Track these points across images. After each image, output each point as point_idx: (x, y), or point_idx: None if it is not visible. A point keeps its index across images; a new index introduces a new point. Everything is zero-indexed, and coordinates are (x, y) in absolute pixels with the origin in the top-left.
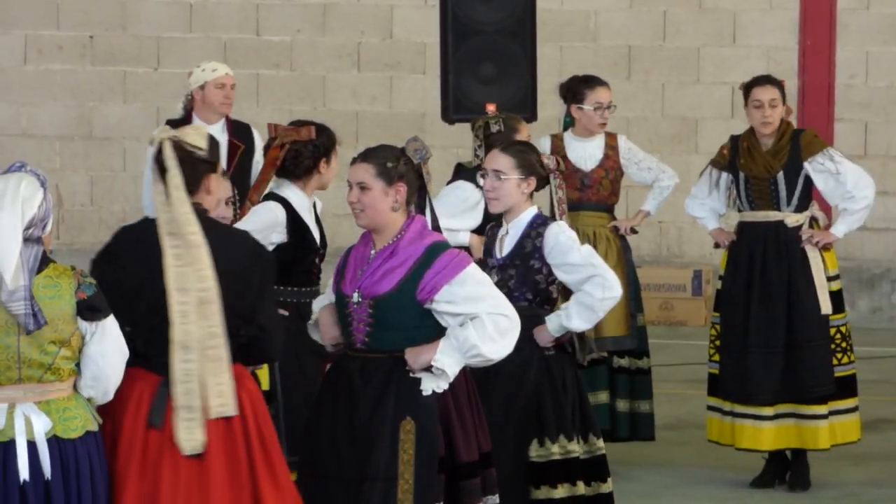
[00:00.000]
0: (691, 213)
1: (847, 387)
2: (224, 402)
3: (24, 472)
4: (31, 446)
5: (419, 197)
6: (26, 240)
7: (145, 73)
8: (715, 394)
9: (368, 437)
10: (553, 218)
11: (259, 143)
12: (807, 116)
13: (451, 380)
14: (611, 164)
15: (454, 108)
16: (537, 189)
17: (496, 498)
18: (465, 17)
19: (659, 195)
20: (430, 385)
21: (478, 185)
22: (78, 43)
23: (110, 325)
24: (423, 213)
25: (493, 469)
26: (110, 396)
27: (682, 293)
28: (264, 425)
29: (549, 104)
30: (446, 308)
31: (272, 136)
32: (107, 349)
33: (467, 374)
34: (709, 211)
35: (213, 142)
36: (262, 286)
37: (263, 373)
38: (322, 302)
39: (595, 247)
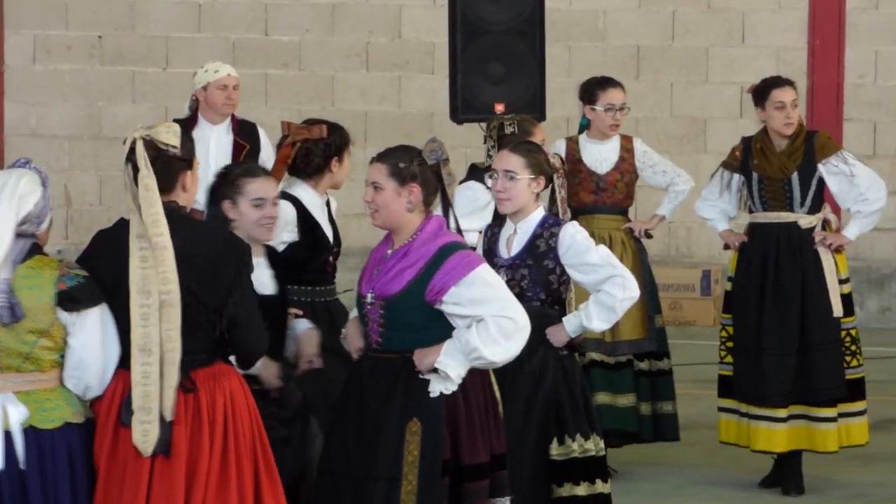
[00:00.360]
0: (701, 214)
1: (856, 389)
2: (169, 405)
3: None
4: (9, 436)
5: (443, 199)
6: (19, 235)
7: (154, 72)
8: (728, 395)
9: (374, 437)
10: (560, 217)
11: (265, 141)
12: (816, 116)
13: (458, 382)
14: (626, 166)
15: (463, 107)
16: (543, 189)
17: (506, 500)
18: (473, 16)
19: (674, 199)
20: (438, 387)
21: (488, 186)
22: (87, 43)
23: (95, 317)
24: (445, 213)
25: (506, 471)
26: (95, 391)
27: (690, 293)
28: (241, 425)
29: (558, 104)
30: (453, 309)
31: (285, 134)
32: (89, 341)
33: (486, 375)
34: (719, 213)
35: (186, 139)
36: (234, 280)
37: None
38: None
39: (611, 250)
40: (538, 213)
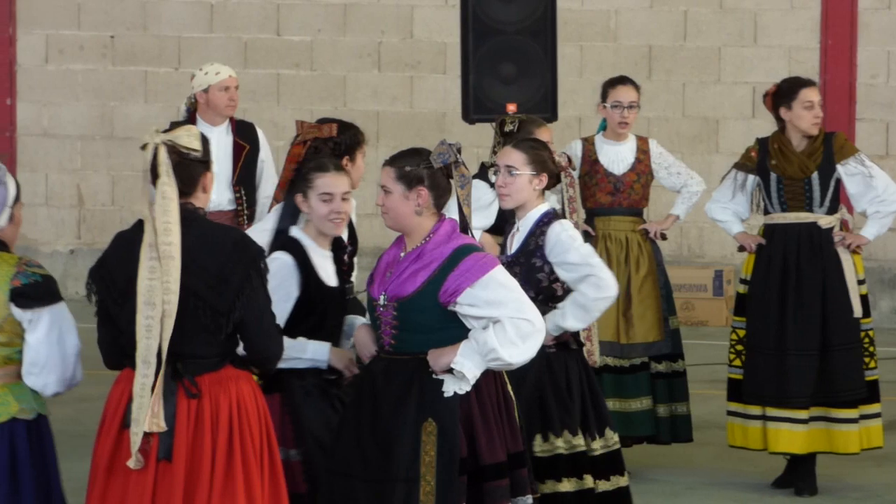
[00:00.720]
0: (713, 216)
1: (872, 391)
2: (157, 415)
3: None
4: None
5: (458, 200)
6: None
7: (166, 72)
8: (737, 399)
9: (390, 438)
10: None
11: (264, 141)
12: (828, 116)
13: (472, 382)
14: (642, 168)
15: (475, 107)
16: (549, 187)
17: (528, 498)
18: (485, 16)
19: (687, 200)
20: (453, 387)
21: (491, 184)
22: (99, 43)
23: (51, 316)
24: (460, 216)
25: (526, 469)
26: (54, 387)
27: (703, 293)
28: (249, 431)
29: (570, 104)
30: (468, 311)
31: (298, 133)
32: (45, 339)
33: (500, 375)
34: (732, 215)
35: (204, 140)
36: (242, 283)
37: None
38: (360, 319)
39: (628, 252)
40: (538, 211)
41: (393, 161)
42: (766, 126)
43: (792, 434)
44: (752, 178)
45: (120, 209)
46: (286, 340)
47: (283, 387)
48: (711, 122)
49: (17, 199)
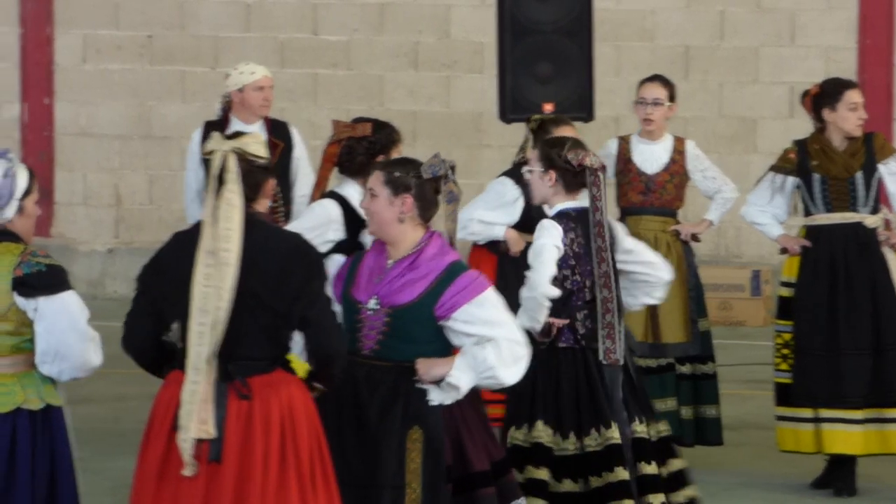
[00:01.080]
0: (751, 220)
1: None
2: (206, 420)
3: None
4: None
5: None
6: None
7: (203, 72)
8: (786, 403)
9: (376, 445)
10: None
11: (297, 140)
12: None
13: (461, 397)
14: (676, 168)
15: (511, 107)
16: (574, 187)
17: (521, 501)
18: (522, 16)
19: (721, 206)
20: (438, 398)
21: (517, 182)
22: (136, 42)
23: (56, 304)
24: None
25: (512, 475)
26: (70, 374)
27: (740, 293)
28: (299, 434)
29: (607, 104)
30: (462, 327)
31: (333, 133)
32: (53, 328)
33: (476, 388)
34: (770, 217)
35: (269, 148)
36: (303, 284)
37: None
38: None
39: (656, 250)
40: (553, 210)
41: (384, 166)
42: (803, 126)
43: (848, 435)
44: (791, 180)
45: (158, 208)
46: None
47: None
48: (749, 122)
49: (29, 191)
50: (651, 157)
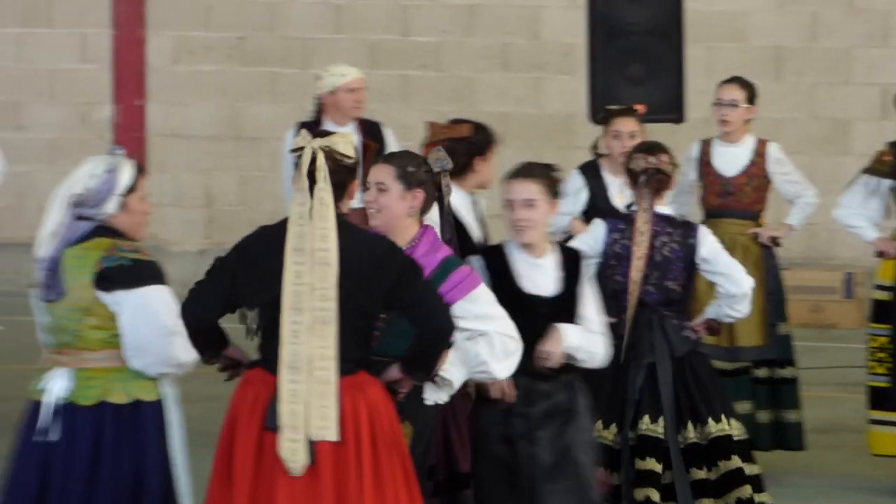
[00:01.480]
0: (845, 223)
1: None
2: (326, 425)
3: (41, 431)
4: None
5: (440, 209)
6: (78, 217)
7: (293, 73)
8: (881, 407)
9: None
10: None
11: (390, 140)
12: None
13: (454, 392)
14: (756, 171)
15: (602, 109)
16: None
17: None
18: (612, 17)
19: (802, 211)
20: (433, 395)
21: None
22: (227, 44)
23: (136, 298)
24: (442, 223)
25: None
26: (156, 369)
27: (832, 295)
28: (384, 435)
29: (698, 105)
30: (462, 320)
31: (429, 134)
32: (134, 321)
33: (461, 393)
34: (865, 220)
35: (355, 147)
36: (396, 282)
37: None
38: None
39: (731, 253)
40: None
41: (391, 159)
42: None
43: None
44: (886, 183)
45: (248, 209)
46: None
47: None
48: (841, 124)
49: (133, 188)
50: (730, 159)
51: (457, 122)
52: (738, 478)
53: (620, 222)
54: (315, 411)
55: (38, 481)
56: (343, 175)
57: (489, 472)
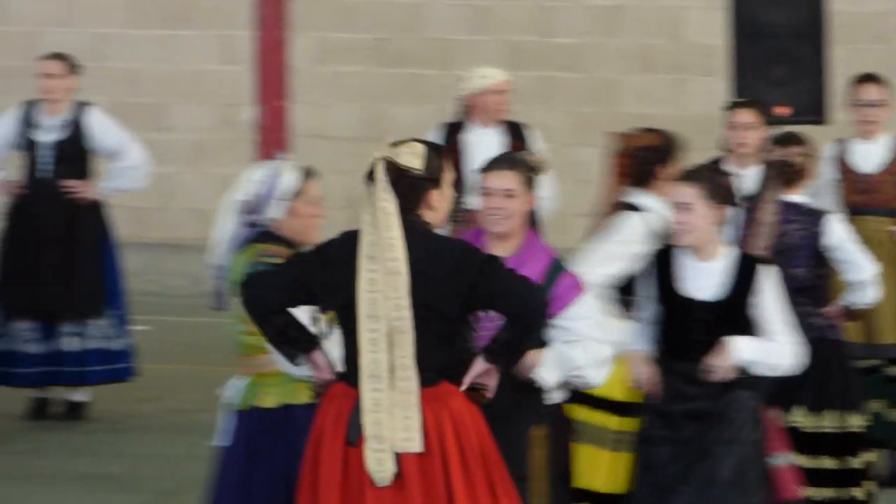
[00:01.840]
0: None
1: None
2: (410, 436)
3: (226, 436)
4: (245, 414)
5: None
6: (247, 223)
7: (434, 75)
8: None
9: (501, 438)
10: None
11: (536, 142)
12: None
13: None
14: (895, 167)
15: None
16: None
17: None
18: (754, 18)
19: None
20: (555, 395)
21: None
22: (369, 45)
23: None
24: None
25: None
26: (307, 371)
27: None
28: (470, 446)
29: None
30: (563, 324)
31: (619, 144)
32: None
33: None
34: None
35: (433, 157)
36: (477, 279)
37: None
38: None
39: (870, 251)
40: None
41: (513, 165)
42: None
43: None
44: None
45: None
46: None
47: None
48: None
49: (300, 192)
50: (868, 156)
51: (643, 131)
52: (860, 474)
53: (743, 213)
54: (398, 422)
55: (241, 482)
56: (411, 184)
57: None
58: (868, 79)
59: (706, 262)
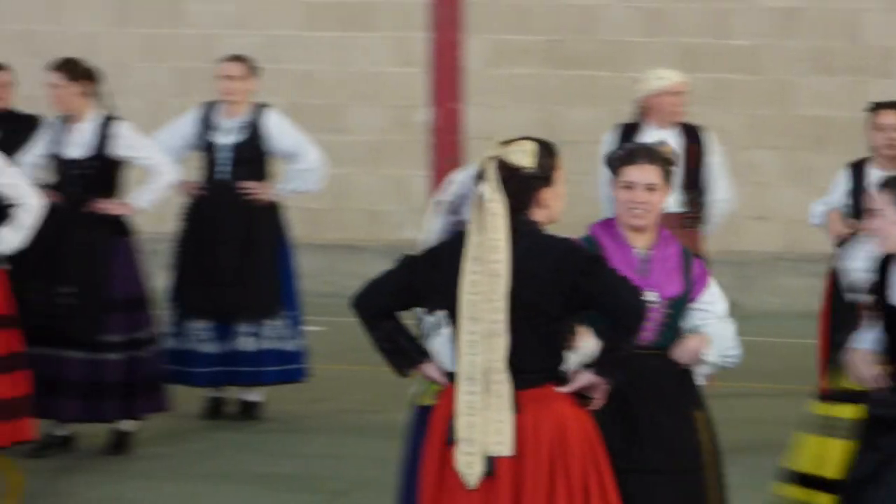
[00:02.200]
0: None
1: None
2: (501, 440)
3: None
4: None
5: None
6: (453, 224)
7: (609, 77)
8: None
9: (670, 430)
10: None
11: (713, 145)
12: None
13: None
14: None
15: None
16: None
17: None
18: None
19: None
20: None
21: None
22: (543, 47)
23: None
24: None
25: None
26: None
27: None
28: (570, 453)
29: None
30: (705, 307)
31: None
32: None
33: None
34: None
35: (545, 156)
36: (579, 278)
37: None
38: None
39: None
40: None
41: (653, 159)
42: None
43: None
44: None
45: (565, 214)
46: None
47: None
48: None
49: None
50: None
51: None
52: None
53: None
54: (491, 426)
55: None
56: (523, 183)
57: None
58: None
59: None
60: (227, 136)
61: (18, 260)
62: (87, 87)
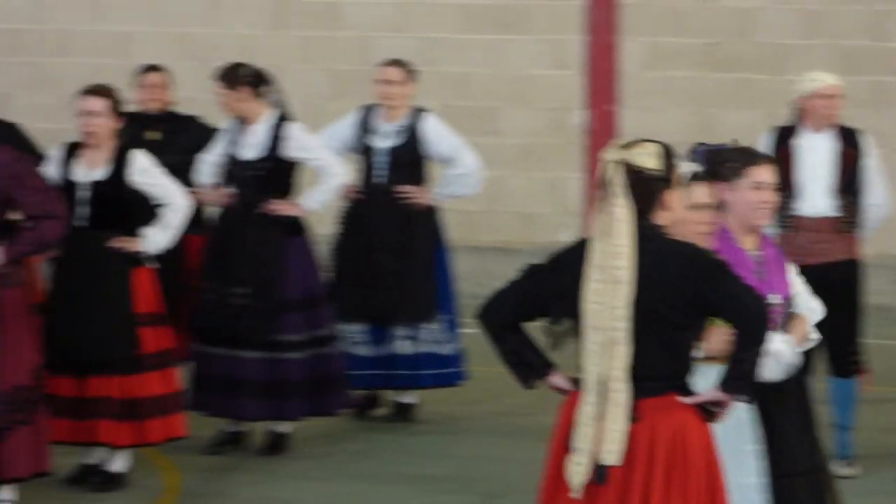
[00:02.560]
0: None
1: None
2: (612, 449)
3: None
4: None
5: None
6: None
7: (766, 79)
8: None
9: (797, 431)
10: None
11: (869, 149)
12: None
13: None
14: None
15: None
16: None
17: None
18: None
19: None
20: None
21: None
22: (699, 50)
23: None
24: None
25: None
26: None
27: None
28: (691, 465)
29: None
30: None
31: None
32: None
33: None
34: None
35: (666, 157)
36: (703, 283)
37: None
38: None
39: None
40: None
41: (771, 160)
42: None
43: None
44: None
45: None
46: None
47: None
48: None
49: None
50: None
51: None
52: None
53: None
54: (605, 434)
55: None
56: (647, 187)
57: None
58: None
59: None
60: (386, 139)
61: (205, 261)
62: (250, 92)
